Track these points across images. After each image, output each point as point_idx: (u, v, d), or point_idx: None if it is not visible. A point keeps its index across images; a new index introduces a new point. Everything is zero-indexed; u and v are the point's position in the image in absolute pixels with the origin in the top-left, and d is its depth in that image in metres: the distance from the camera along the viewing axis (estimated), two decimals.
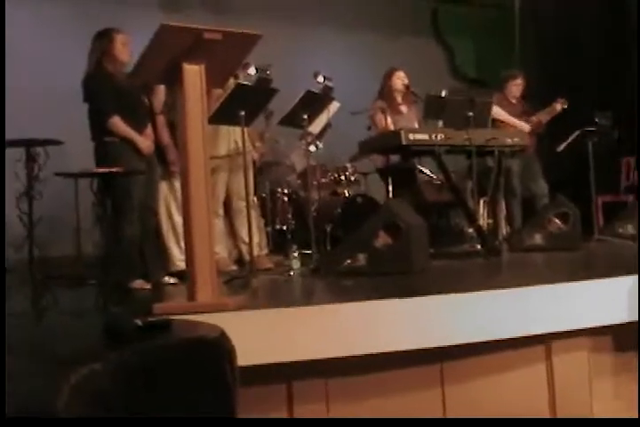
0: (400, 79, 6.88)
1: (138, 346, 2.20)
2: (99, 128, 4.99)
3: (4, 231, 4.18)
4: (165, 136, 5.51)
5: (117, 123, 4.95)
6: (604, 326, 3.93)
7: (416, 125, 6.89)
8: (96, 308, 3.95)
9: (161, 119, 5.51)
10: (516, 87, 7.66)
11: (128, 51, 4.97)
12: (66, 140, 4.32)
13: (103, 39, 5.06)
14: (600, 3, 9.18)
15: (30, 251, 4.09)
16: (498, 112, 7.16)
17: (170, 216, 5.64)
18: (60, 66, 7.17)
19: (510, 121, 7.39)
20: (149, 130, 5.25)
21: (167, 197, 5.66)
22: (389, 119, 6.73)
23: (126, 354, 2.11)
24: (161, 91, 5.52)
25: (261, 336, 3.24)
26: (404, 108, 6.96)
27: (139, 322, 2.37)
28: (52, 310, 3.82)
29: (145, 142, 5.08)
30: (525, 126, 7.42)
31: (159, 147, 5.45)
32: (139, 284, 4.91)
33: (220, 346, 2.46)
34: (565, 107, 7.44)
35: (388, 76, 6.93)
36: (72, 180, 5.51)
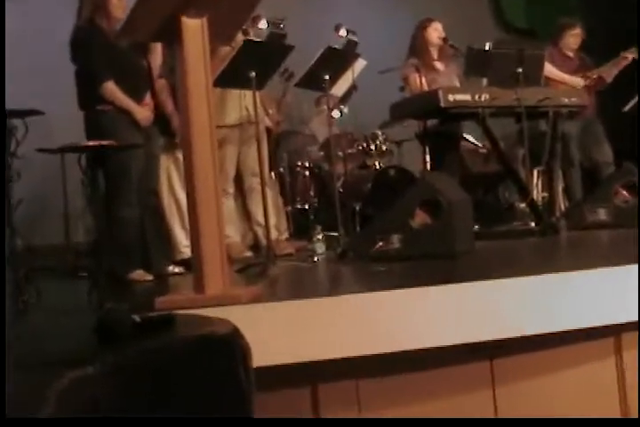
0: (436, 31, 6.81)
1: (136, 346, 2.21)
2: (89, 94, 4.95)
3: (5, 229, 4.19)
4: (168, 103, 5.50)
5: (112, 88, 4.92)
6: None
7: (456, 84, 6.83)
8: (89, 303, 3.96)
9: (162, 83, 5.49)
10: (573, 38, 7.56)
11: (124, 6, 4.92)
12: (48, 111, 4.30)
13: None
14: None
15: (10, 240, 4.09)
16: (549, 69, 7.07)
17: (173, 195, 5.65)
18: (39, 28, 7.17)
19: (562, 78, 7.30)
20: (149, 97, 5.23)
21: (170, 173, 5.67)
22: (424, 78, 6.68)
23: (123, 355, 2.12)
24: (159, 51, 5.49)
25: (281, 332, 3.24)
26: (440, 66, 6.89)
27: (137, 318, 2.37)
28: (37, 307, 3.84)
29: (143, 113, 5.05)
30: (580, 82, 7.33)
31: (161, 115, 5.44)
32: (138, 275, 4.91)
33: (232, 344, 2.46)
34: (636, 58, 7.31)
35: (422, 27, 6.86)
36: (57, 156, 5.51)
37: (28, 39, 7.22)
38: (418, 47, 6.87)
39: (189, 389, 2.24)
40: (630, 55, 7.33)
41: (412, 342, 3.39)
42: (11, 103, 4.18)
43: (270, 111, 6.62)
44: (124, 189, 4.92)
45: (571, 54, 7.60)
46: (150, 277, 4.91)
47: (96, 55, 4.92)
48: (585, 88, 7.24)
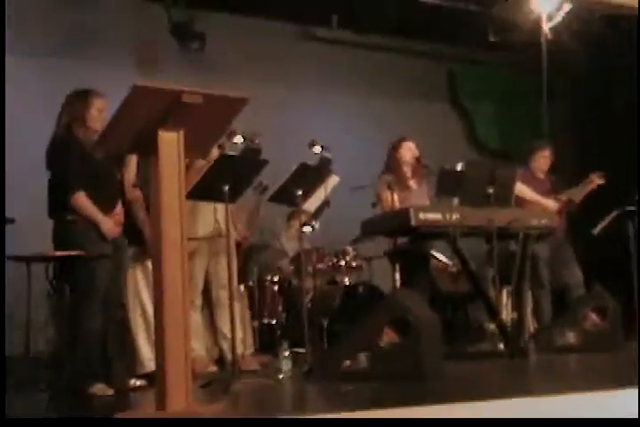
0: (410, 151, 6.89)
1: None
2: (60, 203, 4.97)
3: (5, 231, 4.12)
4: (141, 213, 5.51)
5: (81, 199, 4.94)
6: None
7: (428, 203, 6.90)
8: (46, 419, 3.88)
9: (136, 193, 5.52)
10: (543, 160, 7.68)
11: (102, 118, 4.98)
12: (19, 219, 4.31)
13: (78, 101, 5.07)
14: (634, 64, 9.33)
15: None
16: (521, 190, 7.16)
17: (141, 305, 5.61)
18: (16, 133, 7.22)
19: (536, 199, 7.38)
20: (119, 208, 5.25)
21: (138, 284, 5.64)
22: (397, 196, 6.72)
23: None
24: (133, 163, 5.55)
25: None
26: (413, 184, 6.96)
27: None
28: None
29: (108, 224, 5.03)
30: (553, 204, 7.42)
31: (132, 225, 5.44)
32: (99, 389, 4.81)
33: None
34: (602, 182, 7.44)
35: (396, 146, 6.95)
36: (23, 264, 5.47)
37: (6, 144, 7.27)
38: (392, 165, 6.94)
39: None
40: (595, 181, 7.45)
41: None
42: None
43: (239, 225, 6.62)
44: (89, 300, 4.88)
45: (541, 176, 7.70)
46: (111, 392, 4.82)
47: (70, 165, 4.96)
48: (557, 211, 7.31)
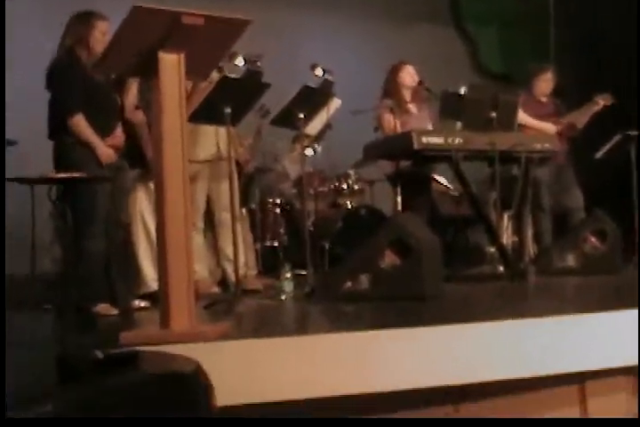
0: (409, 74, 6.85)
1: (97, 383, 2.18)
2: (58, 125, 4.95)
3: (4, 230, 4.15)
4: (144, 135, 5.49)
5: (79, 122, 4.92)
6: None
7: (429, 127, 6.87)
8: (51, 337, 3.92)
9: (139, 116, 5.49)
10: (545, 84, 7.61)
11: (106, 41, 4.90)
12: (22, 140, 4.29)
13: (81, 24, 5.02)
14: None
15: None
16: (520, 116, 7.10)
17: (144, 225, 5.60)
18: (16, 55, 7.16)
19: (532, 124, 7.32)
20: (119, 131, 5.23)
21: (142, 205, 5.63)
22: (397, 120, 6.70)
23: (83, 393, 2.09)
24: (134, 87, 5.51)
25: (245, 372, 3.22)
26: (413, 108, 6.93)
27: (99, 354, 2.34)
28: None
29: (103, 148, 5.00)
30: (551, 127, 7.37)
31: (134, 147, 5.43)
32: (103, 308, 4.86)
33: (195, 383, 2.44)
34: (608, 104, 7.36)
35: (395, 70, 6.90)
36: (28, 186, 5.48)
37: (6, 66, 7.22)
38: (391, 90, 6.90)
39: None
40: (602, 101, 7.37)
41: (376, 384, 3.38)
42: None
43: (240, 149, 6.60)
44: (91, 221, 4.89)
45: (544, 100, 7.64)
46: (115, 312, 4.86)
47: (70, 86, 4.92)
48: (556, 134, 7.26)
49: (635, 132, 7.38)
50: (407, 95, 6.89)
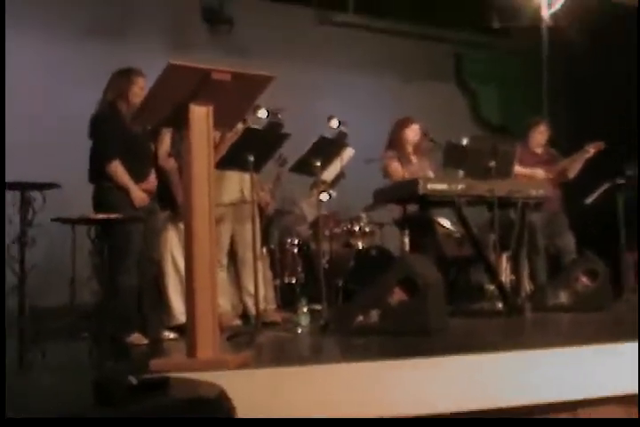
0: (413, 131, 6.92)
1: (131, 407, 2.18)
2: (98, 170, 5.04)
3: (5, 234, 4.16)
4: (175, 181, 5.53)
5: (117, 168, 4.99)
6: (635, 395, 3.87)
7: (430, 175, 6.89)
8: (88, 364, 3.92)
9: (171, 163, 5.55)
10: (540, 135, 7.63)
11: (144, 94, 4.99)
12: (65, 184, 4.33)
13: (122, 79, 5.13)
14: (629, 49, 9.23)
15: (20, 301, 4.06)
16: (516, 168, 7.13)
17: (174, 263, 5.61)
18: (61, 107, 7.26)
19: (523, 171, 7.31)
20: (153, 177, 5.28)
21: (172, 244, 5.64)
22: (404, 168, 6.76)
23: (119, 416, 2.09)
24: (167, 137, 5.58)
25: (264, 396, 3.21)
26: (414, 159, 6.99)
27: (133, 380, 2.35)
28: (39, 366, 3.79)
29: (138, 193, 5.08)
30: (541, 173, 7.37)
31: (168, 191, 5.48)
32: (135, 338, 4.88)
33: (219, 406, 2.43)
34: (599, 150, 7.34)
35: (401, 126, 6.97)
36: (69, 226, 5.51)
37: (49, 116, 7.32)
38: (395, 142, 6.96)
39: None
40: (592, 149, 7.36)
41: (383, 409, 3.36)
42: (33, 176, 4.19)
43: (262, 193, 6.64)
44: (125, 258, 4.93)
45: (538, 151, 7.64)
46: (146, 341, 4.88)
47: (109, 136, 5.00)
48: (549, 180, 7.26)
49: (622, 181, 7.40)
50: (409, 148, 6.95)
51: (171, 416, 2.21)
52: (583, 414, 3.81)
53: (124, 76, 5.13)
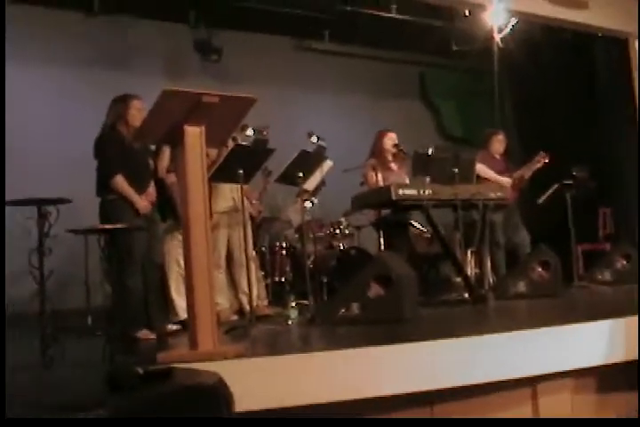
0: (391, 140, 6.93)
1: (139, 393, 2.18)
2: (103, 185, 5.05)
3: (4, 236, 4.15)
4: (176, 192, 5.53)
5: (119, 181, 4.99)
6: (587, 368, 3.89)
7: (407, 181, 6.90)
8: (102, 358, 3.91)
9: (172, 178, 5.55)
10: (499, 143, 7.67)
11: (142, 116, 4.96)
12: (75, 199, 4.32)
13: (120, 104, 5.13)
14: (569, 66, 9.29)
15: (41, 304, 4.06)
16: (482, 170, 7.17)
17: (180, 267, 5.59)
18: (71, 129, 7.27)
19: (494, 178, 7.38)
20: (152, 189, 5.28)
21: (177, 251, 5.61)
22: (380, 176, 6.75)
23: (128, 401, 2.09)
24: (166, 154, 5.58)
25: (259, 382, 3.21)
26: (394, 166, 6.99)
27: (140, 370, 2.34)
28: (59, 361, 3.78)
29: (141, 202, 5.09)
30: (507, 181, 7.43)
31: (167, 202, 5.48)
32: (144, 334, 4.87)
33: (217, 392, 2.43)
34: (547, 161, 7.43)
35: (380, 136, 6.98)
36: (82, 235, 5.51)
37: (63, 138, 7.32)
38: (376, 151, 6.96)
39: None
40: (542, 159, 7.43)
41: (367, 391, 3.37)
42: (47, 192, 4.20)
43: (253, 202, 6.65)
44: (130, 263, 4.92)
45: (497, 157, 7.68)
46: (153, 336, 4.88)
47: (110, 157, 5.01)
48: (511, 186, 7.34)
49: (569, 181, 7.46)
50: (389, 156, 6.95)
51: (175, 401, 2.22)
52: (541, 388, 3.83)
53: (121, 102, 5.13)
